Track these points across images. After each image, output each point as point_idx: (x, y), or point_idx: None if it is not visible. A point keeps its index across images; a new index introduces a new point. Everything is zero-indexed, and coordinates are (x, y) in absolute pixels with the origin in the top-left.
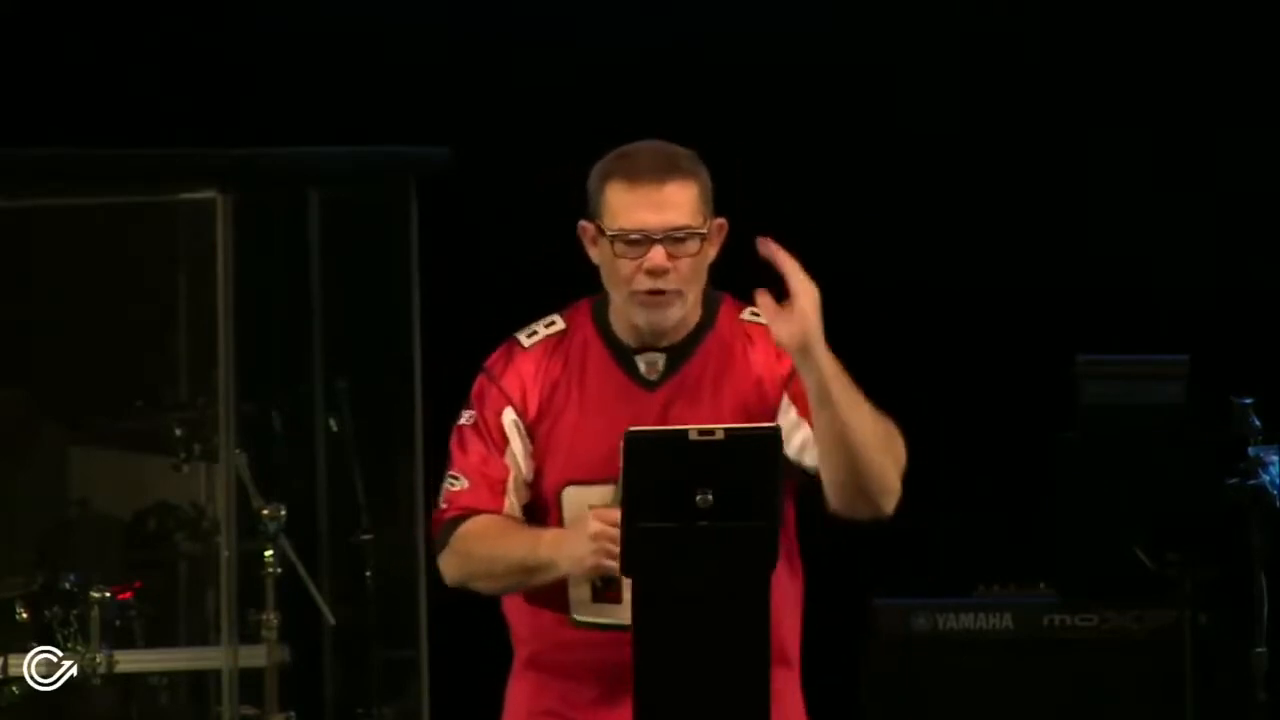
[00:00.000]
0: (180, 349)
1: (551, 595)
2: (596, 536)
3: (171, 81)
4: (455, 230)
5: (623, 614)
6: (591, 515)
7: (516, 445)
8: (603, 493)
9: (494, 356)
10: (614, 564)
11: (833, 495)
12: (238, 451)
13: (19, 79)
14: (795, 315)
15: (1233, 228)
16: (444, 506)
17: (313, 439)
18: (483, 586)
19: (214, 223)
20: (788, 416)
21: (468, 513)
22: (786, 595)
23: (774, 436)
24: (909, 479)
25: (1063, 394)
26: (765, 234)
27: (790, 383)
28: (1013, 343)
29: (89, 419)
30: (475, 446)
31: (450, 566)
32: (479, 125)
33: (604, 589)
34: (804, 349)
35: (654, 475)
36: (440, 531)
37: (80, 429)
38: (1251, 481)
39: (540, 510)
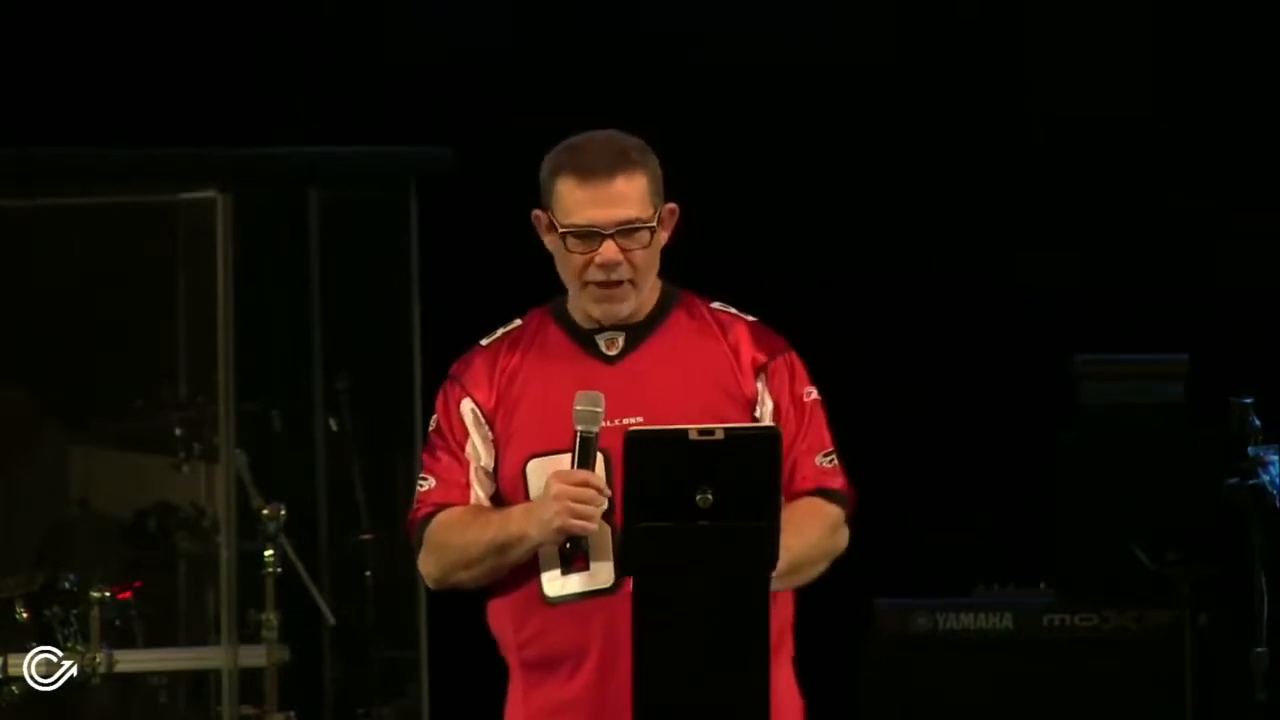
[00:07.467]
0: (180, 349)
1: (525, 581)
2: (559, 496)
3: (171, 81)
4: (455, 230)
5: (593, 580)
6: (552, 477)
7: (475, 435)
8: (567, 461)
9: (457, 361)
10: (580, 522)
11: None
12: (238, 451)
13: (19, 79)
14: None
15: (1233, 227)
16: (415, 508)
17: (313, 439)
18: (463, 578)
19: (214, 223)
20: (764, 405)
21: (438, 509)
22: None
23: (774, 436)
24: (910, 479)
25: (1062, 394)
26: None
27: (766, 374)
28: (1013, 342)
29: (89, 419)
30: (439, 445)
31: (429, 564)
32: (479, 125)
33: (571, 557)
34: None
35: (653, 475)
36: (415, 533)
37: (80, 429)
38: (1251, 481)
39: (508, 492)
